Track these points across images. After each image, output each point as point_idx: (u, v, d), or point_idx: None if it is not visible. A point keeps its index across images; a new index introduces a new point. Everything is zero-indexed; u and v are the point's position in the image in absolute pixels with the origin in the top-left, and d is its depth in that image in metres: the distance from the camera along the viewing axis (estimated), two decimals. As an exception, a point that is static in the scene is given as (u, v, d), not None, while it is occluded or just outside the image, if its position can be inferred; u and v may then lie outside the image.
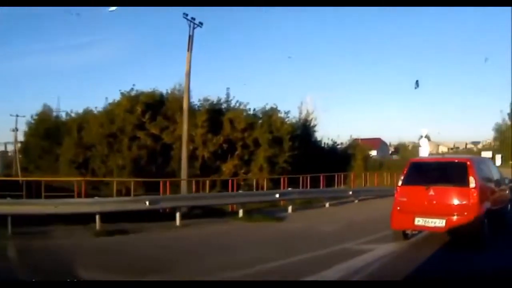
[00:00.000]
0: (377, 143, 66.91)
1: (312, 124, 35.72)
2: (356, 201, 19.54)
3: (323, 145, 36.88)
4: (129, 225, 11.65)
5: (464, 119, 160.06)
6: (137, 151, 29.94)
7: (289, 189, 17.68)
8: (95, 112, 33.70)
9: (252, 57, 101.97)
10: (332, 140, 38.19)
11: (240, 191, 16.64)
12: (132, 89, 31.91)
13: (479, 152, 75.62)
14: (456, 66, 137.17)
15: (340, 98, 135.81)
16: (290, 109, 39.44)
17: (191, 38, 23.00)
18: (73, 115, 36.10)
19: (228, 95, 32.47)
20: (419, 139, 33.88)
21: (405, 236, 9.51)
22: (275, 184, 24.62)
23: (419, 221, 8.77)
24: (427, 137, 34.31)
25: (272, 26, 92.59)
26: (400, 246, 8.88)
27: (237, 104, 32.29)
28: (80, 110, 35.94)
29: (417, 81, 38.20)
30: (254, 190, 20.40)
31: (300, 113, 36.01)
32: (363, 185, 28.33)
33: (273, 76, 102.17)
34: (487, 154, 69.42)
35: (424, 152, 33.89)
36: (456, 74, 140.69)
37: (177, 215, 12.44)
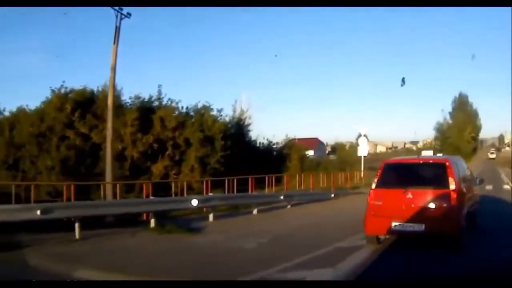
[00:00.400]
0: (314, 143, 67.09)
1: (246, 123, 34.53)
2: (289, 206, 17.96)
3: (258, 145, 35.74)
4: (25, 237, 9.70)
5: (403, 119, 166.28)
6: (65, 151, 27.85)
7: (210, 194, 16.00)
8: (27, 110, 30.95)
9: (188, 54, 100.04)
10: (267, 139, 37.22)
11: (151, 198, 14.41)
12: (62, 86, 29.71)
13: (419, 151, 77.08)
14: (396, 67, 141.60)
15: (277, 97, 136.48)
16: (224, 108, 38.05)
17: (117, 29, 21.01)
18: (6, 113, 32.80)
19: (160, 92, 30.79)
20: (358, 138, 33.46)
21: (378, 241, 9.07)
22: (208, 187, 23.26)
23: (396, 226, 8.43)
24: (366, 136, 33.94)
25: (210, 23, 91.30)
26: (344, 271, 7.19)
27: (169, 102, 30.69)
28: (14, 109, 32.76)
29: (403, 78, 38.67)
30: (173, 195, 18.18)
31: (234, 111, 34.75)
32: (298, 187, 27.18)
33: (209, 74, 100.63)
34: (428, 153, 70.84)
35: (363, 151, 33.55)
36: (396, 74, 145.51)
37: (76, 226, 10.55)
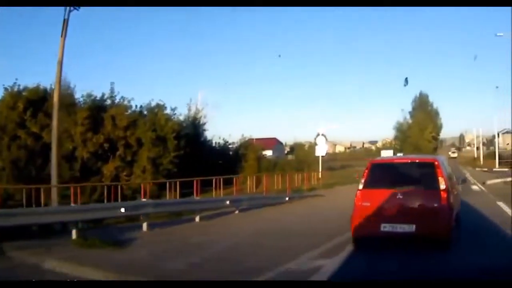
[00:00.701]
0: (273, 143, 66.63)
1: (202, 122, 33.43)
2: (237, 211, 16.62)
3: (214, 144, 34.71)
4: None
5: (363, 119, 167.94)
6: (16, 151, 26.51)
7: (143, 200, 14.26)
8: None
9: (144, 51, 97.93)
10: (224, 139, 36.38)
11: (72, 205, 12.70)
12: (15, 84, 28.25)
13: (378, 151, 77.82)
14: (355, 66, 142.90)
15: (236, 97, 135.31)
16: (180, 107, 37.00)
17: (65, 22, 19.73)
18: None
19: (112, 90, 29.46)
20: (316, 137, 32.75)
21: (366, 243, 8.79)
22: (160, 189, 22.20)
23: (385, 227, 8.26)
24: (324, 135, 33.37)
25: (166, 20, 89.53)
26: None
27: (121, 100, 29.44)
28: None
29: (406, 78, 38.13)
30: (106, 201, 16.86)
31: (189, 110, 33.57)
32: (253, 189, 26.23)
33: (165, 72, 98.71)
34: (387, 153, 71.30)
35: (321, 151, 32.90)
36: (355, 73, 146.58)
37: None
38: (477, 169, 53.45)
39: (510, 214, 13.69)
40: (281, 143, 64.19)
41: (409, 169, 9.06)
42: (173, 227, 13.35)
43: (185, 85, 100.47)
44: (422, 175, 8.77)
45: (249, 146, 35.93)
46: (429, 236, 8.21)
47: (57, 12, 23.59)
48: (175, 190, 19.35)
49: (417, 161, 9.69)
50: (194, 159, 28.09)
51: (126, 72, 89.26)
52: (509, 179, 28.69)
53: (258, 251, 9.45)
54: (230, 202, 16.55)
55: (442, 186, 8.33)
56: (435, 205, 8.24)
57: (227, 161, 30.63)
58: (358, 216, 8.64)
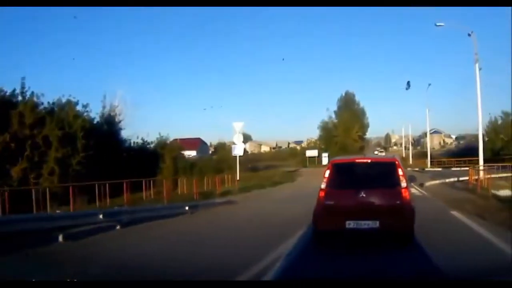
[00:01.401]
0: (197, 143, 65.47)
1: (117, 120, 31.25)
2: (118, 227, 12.55)
3: (132, 144, 32.93)
4: None
5: (289, 119, 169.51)
6: None
7: None
8: None
9: (61, 46, 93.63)
10: (142, 139, 34.68)
11: None
12: None
13: (303, 151, 77.98)
14: (281, 65, 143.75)
15: (156, 95, 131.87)
16: (94, 103, 34.85)
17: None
18: None
19: (23, 85, 27.22)
20: (234, 136, 31.23)
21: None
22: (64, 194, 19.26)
23: (350, 224, 8.48)
24: (241, 132, 31.72)
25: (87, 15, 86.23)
26: None
27: (31, 96, 27.24)
28: None
29: (408, 82, 36.96)
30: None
31: (104, 107, 31.41)
32: (165, 194, 23.60)
33: (81, 67, 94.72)
34: (312, 153, 71.98)
35: (238, 150, 31.11)
36: (282, 72, 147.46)
37: None
38: (408, 169, 53.88)
39: (483, 233, 10.17)
40: (206, 143, 62.76)
41: (370, 169, 9.33)
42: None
43: (105, 82, 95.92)
44: (384, 174, 9.06)
45: (166, 146, 34.46)
46: (393, 231, 8.62)
47: None
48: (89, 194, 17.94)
49: (378, 160, 10.23)
50: (108, 160, 26.33)
51: (42, 67, 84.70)
52: (447, 180, 28.09)
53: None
54: (103, 215, 12.27)
55: (403, 184, 8.70)
56: (398, 202, 8.57)
57: (145, 163, 28.86)
58: (322, 214, 8.88)
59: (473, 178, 23.09)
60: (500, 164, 35.87)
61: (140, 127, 72.51)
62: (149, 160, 30.34)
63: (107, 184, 19.63)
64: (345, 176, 9.26)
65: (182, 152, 38.81)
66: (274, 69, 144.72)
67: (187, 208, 16.41)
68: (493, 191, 18.57)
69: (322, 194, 8.98)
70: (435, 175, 34.83)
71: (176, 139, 37.26)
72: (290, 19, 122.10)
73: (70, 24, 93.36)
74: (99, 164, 25.68)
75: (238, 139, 31.29)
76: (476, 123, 27.63)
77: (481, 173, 23.49)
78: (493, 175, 21.75)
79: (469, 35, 25.05)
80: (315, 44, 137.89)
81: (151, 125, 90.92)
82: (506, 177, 22.37)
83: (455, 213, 13.90)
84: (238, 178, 31.46)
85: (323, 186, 9.03)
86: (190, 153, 47.26)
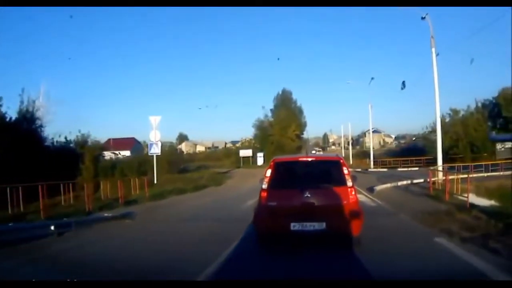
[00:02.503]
0: (131, 142, 62.99)
1: (37, 117, 27.73)
2: None
3: (55, 143, 29.95)
4: None
5: (225, 118, 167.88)
6: None
7: None
8: None
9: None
10: (65, 137, 31.29)
11: None
12: None
13: (237, 150, 75.67)
14: (218, 64, 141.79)
15: (85, 92, 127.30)
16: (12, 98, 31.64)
17: None
18: None
19: None
20: (150, 132, 28.48)
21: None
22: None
23: (295, 226, 8.07)
24: (158, 128, 28.70)
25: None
26: None
27: None
28: None
29: (403, 82, 34.20)
30: None
31: (22, 102, 27.49)
32: (86, 198, 19.59)
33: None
34: (246, 152, 69.72)
35: (155, 149, 28.21)
36: (222, 72, 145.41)
37: None
38: (350, 169, 52.58)
39: None
40: (140, 143, 59.61)
41: (314, 167, 8.94)
42: None
43: (26, 76, 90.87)
44: (328, 173, 8.72)
45: (86, 145, 31.19)
46: (341, 232, 8.23)
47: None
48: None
49: (322, 159, 10.02)
50: (22, 160, 23.42)
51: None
52: (400, 183, 24.57)
53: None
54: None
55: (349, 183, 8.40)
56: (344, 202, 8.25)
57: (65, 164, 25.99)
58: (264, 216, 8.40)
59: (432, 180, 20.79)
60: (456, 164, 35.13)
61: (74, 127, 67.96)
62: (70, 161, 27.36)
63: (19, 188, 17.01)
64: (288, 175, 8.88)
65: (105, 152, 35.42)
66: (214, 68, 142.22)
67: (52, 227, 11.40)
68: (463, 198, 15.94)
69: (264, 194, 8.54)
70: (382, 177, 30.98)
71: (109, 139, 34.34)
72: (222, 17, 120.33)
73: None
74: (15, 164, 22.79)
75: (155, 136, 28.64)
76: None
77: (440, 174, 21.70)
78: (451, 177, 18.89)
79: (423, 18, 22.51)
80: (251, 42, 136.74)
81: (87, 125, 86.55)
82: (464, 178, 18.81)
83: (444, 242, 8.80)
84: (156, 181, 28.58)
85: (264, 186, 8.60)
86: (125, 153, 44.70)
